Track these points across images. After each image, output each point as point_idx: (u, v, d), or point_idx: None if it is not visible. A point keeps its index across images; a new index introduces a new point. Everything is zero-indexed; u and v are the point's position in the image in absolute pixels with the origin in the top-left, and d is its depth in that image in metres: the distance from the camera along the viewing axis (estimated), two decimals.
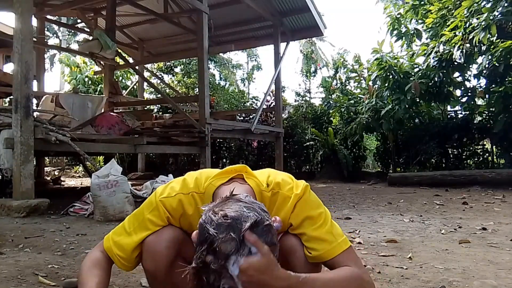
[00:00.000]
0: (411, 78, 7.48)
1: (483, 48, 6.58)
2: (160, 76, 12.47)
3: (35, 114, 4.49)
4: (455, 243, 2.63)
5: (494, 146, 8.08)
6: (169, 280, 1.14)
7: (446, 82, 7.29)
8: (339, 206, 4.59)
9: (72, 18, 9.54)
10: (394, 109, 7.45)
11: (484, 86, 7.48)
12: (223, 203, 0.92)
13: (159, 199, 1.15)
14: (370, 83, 8.27)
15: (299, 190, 1.12)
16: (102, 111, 7.03)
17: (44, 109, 6.07)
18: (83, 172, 10.06)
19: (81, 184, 7.85)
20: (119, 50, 7.80)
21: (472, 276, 1.90)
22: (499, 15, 5.83)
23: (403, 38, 8.56)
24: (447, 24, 6.91)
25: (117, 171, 3.65)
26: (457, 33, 6.63)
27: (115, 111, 7.11)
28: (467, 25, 6.41)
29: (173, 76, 13.57)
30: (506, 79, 6.92)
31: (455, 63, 7.14)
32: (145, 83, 9.77)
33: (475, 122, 8.19)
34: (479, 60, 6.89)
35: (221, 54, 14.65)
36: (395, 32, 8.55)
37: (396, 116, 7.46)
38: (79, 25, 9.10)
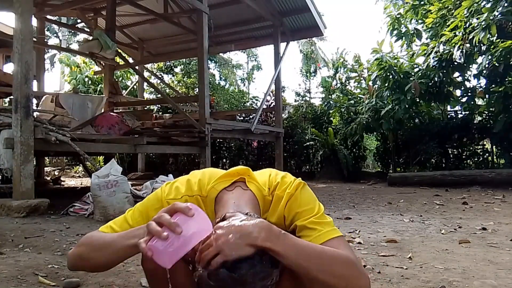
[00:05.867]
0: (411, 78, 7.47)
1: (483, 48, 6.57)
2: (160, 76, 12.46)
3: (35, 114, 4.49)
4: (455, 243, 2.63)
5: (494, 146, 8.07)
6: (170, 280, 1.14)
7: (446, 82, 7.28)
8: (339, 206, 4.58)
9: (72, 18, 9.54)
10: (394, 109, 7.45)
11: (484, 86, 7.48)
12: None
13: (166, 200, 1.16)
14: (370, 83, 8.26)
15: (291, 188, 1.14)
16: (102, 111, 7.04)
17: (44, 109, 6.07)
18: (83, 172, 10.06)
19: (81, 184, 7.84)
20: (119, 50, 7.80)
21: (472, 276, 1.90)
22: (499, 15, 5.83)
23: (403, 38, 8.56)
24: (447, 24, 6.91)
25: (117, 171, 3.65)
26: (457, 33, 6.63)
27: (115, 111, 7.12)
28: (467, 25, 6.40)
29: (173, 76, 13.56)
30: (506, 79, 6.91)
31: (455, 63, 7.14)
32: (145, 83, 9.77)
33: (475, 122, 8.19)
34: (479, 60, 6.88)
35: (221, 54, 14.64)
36: (395, 32, 8.55)
37: (396, 116, 7.46)
38: (79, 25, 9.11)
